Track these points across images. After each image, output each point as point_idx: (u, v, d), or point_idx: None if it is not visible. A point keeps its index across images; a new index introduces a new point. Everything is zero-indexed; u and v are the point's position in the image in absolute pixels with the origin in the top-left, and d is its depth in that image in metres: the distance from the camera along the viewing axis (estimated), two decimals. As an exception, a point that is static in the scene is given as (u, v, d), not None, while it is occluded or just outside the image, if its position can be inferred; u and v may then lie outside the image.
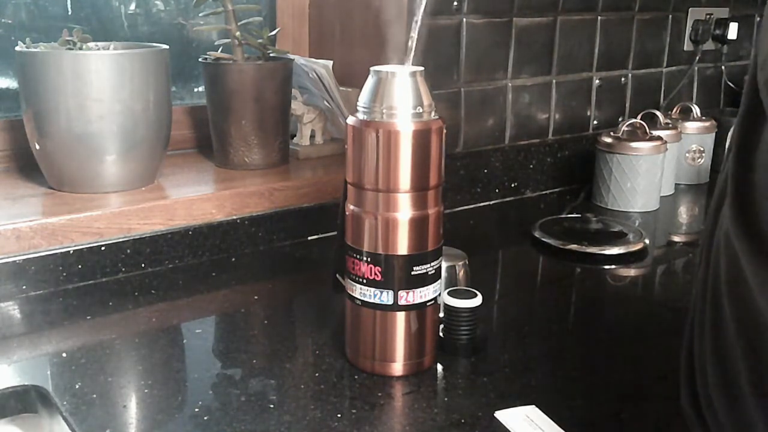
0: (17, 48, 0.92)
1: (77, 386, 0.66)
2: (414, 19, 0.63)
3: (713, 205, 0.48)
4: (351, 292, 0.67)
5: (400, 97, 0.62)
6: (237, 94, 1.05)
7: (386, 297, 0.65)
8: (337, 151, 1.18)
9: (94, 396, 0.64)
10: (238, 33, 1.06)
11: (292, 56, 1.13)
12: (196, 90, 1.24)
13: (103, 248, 0.89)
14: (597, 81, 1.39)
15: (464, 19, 1.18)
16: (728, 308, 0.43)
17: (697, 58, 1.54)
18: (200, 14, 1.11)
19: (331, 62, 1.16)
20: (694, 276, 0.51)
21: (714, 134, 1.40)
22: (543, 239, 1.05)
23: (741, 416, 0.42)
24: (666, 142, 1.24)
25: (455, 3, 1.16)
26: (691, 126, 1.38)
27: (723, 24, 1.54)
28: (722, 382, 0.44)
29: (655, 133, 1.25)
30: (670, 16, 1.48)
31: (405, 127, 0.62)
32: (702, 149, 1.39)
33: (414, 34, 0.63)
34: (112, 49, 0.99)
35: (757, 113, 0.40)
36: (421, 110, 0.62)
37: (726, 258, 0.43)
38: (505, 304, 0.88)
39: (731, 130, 0.45)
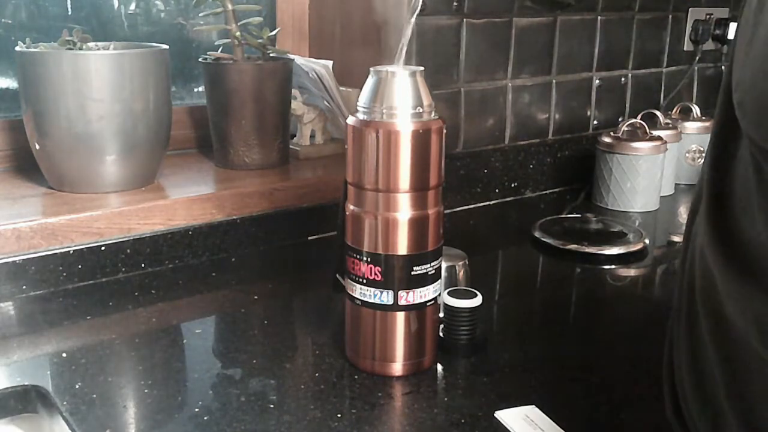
0: (17, 48, 0.92)
1: (77, 386, 0.66)
2: (407, 19, 0.63)
3: (688, 216, 0.48)
4: (351, 292, 0.67)
5: (400, 97, 0.62)
6: (237, 94, 1.05)
7: (386, 297, 0.65)
8: (337, 151, 1.18)
9: (94, 396, 0.64)
10: (238, 33, 1.06)
11: (292, 56, 1.13)
12: (196, 90, 1.24)
13: (103, 248, 0.89)
14: (597, 81, 1.39)
15: (464, 19, 1.18)
16: (702, 321, 0.43)
17: (697, 58, 1.54)
18: (200, 14, 1.11)
19: (331, 62, 1.16)
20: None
21: (714, 134, 1.40)
22: (543, 239, 1.05)
23: (721, 429, 0.42)
24: (666, 142, 1.24)
25: (455, 3, 1.16)
26: (691, 126, 1.38)
27: (723, 24, 1.54)
28: (701, 395, 0.44)
29: (655, 133, 1.25)
30: (670, 16, 1.48)
31: (405, 127, 0.62)
32: (702, 149, 1.39)
33: (406, 36, 0.63)
34: (112, 49, 0.99)
35: (732, 128, 0.40)
36: (421, 110, 0.62)
37: (700, 270, 0.43)
38: (505, 304, 0.88)
39: (708, 142, 0.45)
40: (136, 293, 0.87)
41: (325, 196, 1.04)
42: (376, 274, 0.65)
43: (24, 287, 0.85)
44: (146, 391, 0.66)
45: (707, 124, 1.39)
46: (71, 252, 0.87)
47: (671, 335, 0.50)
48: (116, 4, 1.15)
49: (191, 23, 1.21)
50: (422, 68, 0.63)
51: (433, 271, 0.66)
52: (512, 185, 1.29)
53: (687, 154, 1.38)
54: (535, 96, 1.31)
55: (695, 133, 1.38)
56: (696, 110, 1.40)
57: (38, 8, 1.09)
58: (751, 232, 0.37)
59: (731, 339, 0.40)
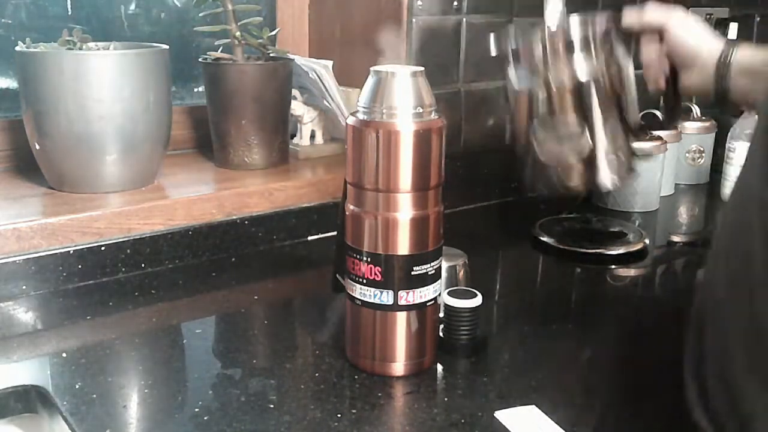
0: (17, 48, 0.92)
1: (77, 386, 0.66)
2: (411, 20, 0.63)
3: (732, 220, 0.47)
4: (351, 292, 0.67)
5: (401, 97, 0.62)
6: (237, 94, 1.05)
7: (386, 297, 0.65)
8: (337, 151, 1.18)
9: (94, 396, 0.64)
10: (238, 33, 1.06)
11: (292, 56, 1.13)
12: (196, 90, 1.24)
13: (103, 248, 0.88)
14: (597, 81, 1.39)
15: (464, 19, 1.18)
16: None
17: (697, 58, 1.54)
18: (200, 14, 1.11)
19: (331, 62, 1.16)
20: (703, 277, 0.50)
21: (714, 134, 1.40)
22: (543, 239, 1.05)
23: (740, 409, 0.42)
24: (666, 142, 1.24)
25: (455, 3, 1.16)
26: (691, 126, 1.38)
27: (723, 24, 1.53)
28: (720, 374, 0.44)
29: (655, 133, 1.25)
30: (670, 16, 1.48)
31: (405, 127, 0.62)
32: (702, 149, 1.39)
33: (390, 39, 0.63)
34: (112, 49, 0.99)
35: None
36: (421, 110, 0.62)
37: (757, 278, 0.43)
38: (505, 304, 0.88)
39: (728, 134, 0.45)
40: (136, 293, 0.86)
41: (325, 196, 1.04)
42: (376, 274, 0.65)
43: (24, 287, 0.85)
44: (146, 391, 0.66)
45: (707, 124, 1.39)
46: (71, 252, 0.87)
47: (700, 316, 0.49)
48: (116, 5, 1.15)
49: (191, 23, 1.20)
50: (422, 68, 0.63)
51: (433, 271, 0.66)
52: (512, 185, 1.29)
53: (687, 154, 1.38)
54: (535, 96, 1.31)
55: (695, 133, 1.38)
56: (696, 110, 1.40)
57: (38, 8, 1.09)
58: None
59: None
